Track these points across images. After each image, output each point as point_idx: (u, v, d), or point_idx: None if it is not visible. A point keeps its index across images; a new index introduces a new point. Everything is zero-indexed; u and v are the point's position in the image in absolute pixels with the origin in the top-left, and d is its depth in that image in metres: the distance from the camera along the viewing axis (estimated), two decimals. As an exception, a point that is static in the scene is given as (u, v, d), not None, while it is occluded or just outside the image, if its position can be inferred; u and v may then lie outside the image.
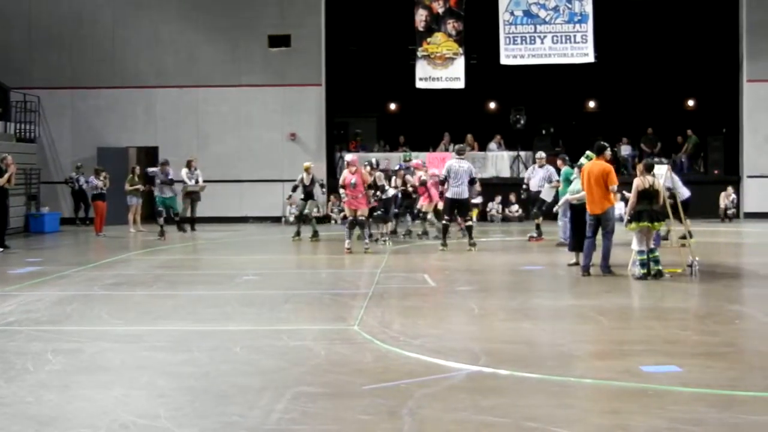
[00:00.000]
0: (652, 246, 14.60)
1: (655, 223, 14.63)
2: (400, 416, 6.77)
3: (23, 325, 10.90)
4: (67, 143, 31.48)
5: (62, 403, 7.37)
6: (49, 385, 7.97)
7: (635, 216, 14.55)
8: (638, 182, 14.68)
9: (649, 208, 14.56)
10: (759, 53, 31.47)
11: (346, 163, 21.41)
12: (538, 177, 22.24)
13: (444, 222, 20.00)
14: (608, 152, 15.68)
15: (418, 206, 23.02)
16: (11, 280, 15.53)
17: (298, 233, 23.05)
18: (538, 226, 22.07)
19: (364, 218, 19.75)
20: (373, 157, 22.47)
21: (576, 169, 17.50)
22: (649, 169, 14.92)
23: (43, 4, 31.59)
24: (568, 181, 19.45)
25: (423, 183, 22.57)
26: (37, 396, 7.57)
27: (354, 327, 10.38)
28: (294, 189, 23.55)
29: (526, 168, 27.67)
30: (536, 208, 22.18)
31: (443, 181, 20.01)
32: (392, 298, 12.89)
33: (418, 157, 29.11)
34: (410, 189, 23.02)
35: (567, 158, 21.24)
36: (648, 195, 14.58)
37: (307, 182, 23.01)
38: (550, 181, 21.79)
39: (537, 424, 6.52)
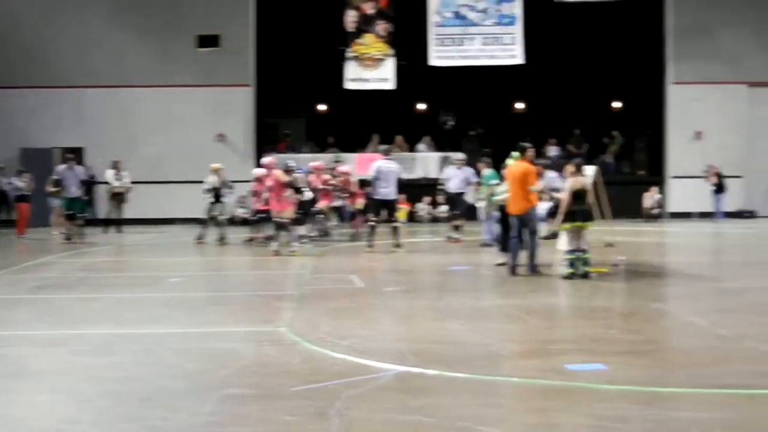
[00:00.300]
0: (584, 246, 14.73)
1: (587, 223, 14.78)
2: (328, 417, 6.75)
3: (-56, 329, 10.72)
4: (-9, 142, 31.03)
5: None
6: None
7: (569, 216, 14.67)
8: (571, 182, 14.79)
9: (582, 208, 14.70)
10: (683, 56, 31.95)
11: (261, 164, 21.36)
12: (457, 179, 22.27)
13: (371, 223, 19.99)
14: (530, 153, 15.77)
15: (317, 206, 22.68)
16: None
17: (201, 237, 22.51)
18: (457, 228, 22.20)
19: (288, 220, 19.51)
20: (292, 160, 22.35)
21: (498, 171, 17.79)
22: (579, 169, 15.06)
23: (-36, 4, 31.14)
24: (488, 184, 19.82)
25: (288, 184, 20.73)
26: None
27: (282, 329, 10.33)
28: (205, 191, 22.81)
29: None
30: (458, 210, 22.25)
31: (370, 182, 20.00)
32: (320, 299, 12.85)
33: (345, 159, 29.16)
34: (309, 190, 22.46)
35: (489, 161, 21.35)
36: (581, 195, 14.72)
37: (217, 184, 22.67)
38: (470, 183, 21.90)
39: (465, 423, 6.54)
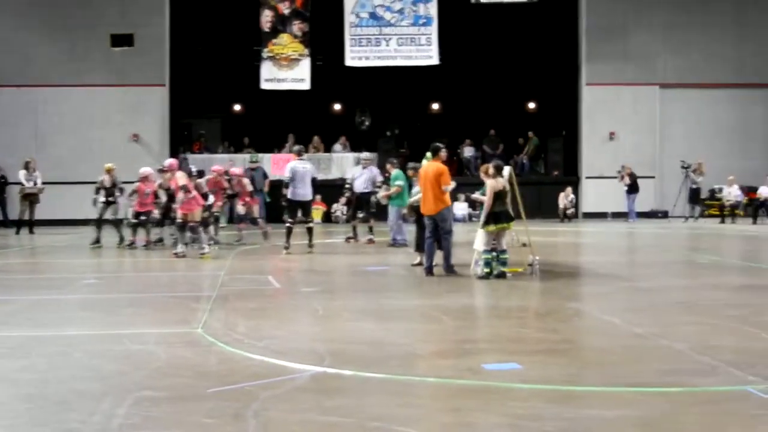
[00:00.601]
0: (504, 247, 14.84)
1: (509, 223, 14.89)
2: (245, 419, 6.71)
3: None
4: None
5: None
6: None
7: (493, 217, 14.74)
8: (493, 183, 14.86)
9: (504, 209, 14.80)
10: (596, 57, 32.39)
11: (160, 168, 21.12)
12: (363, 178, 22.26)
13: (288, 224, 19.91)
14: (443, 153, 15.84)
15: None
16: None
17: (98, 240, 21.86)
18: (355, 228, 22.31)
19: (195, 223, 19.29)
20: (194, 165, 22.18)
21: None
22: (499, 170, 15.14)
23: None
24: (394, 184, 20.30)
25: (183, 187, 19.59)
26: None
27: (197, 330, 10.26)
28: (97, 191, 22.16)
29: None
30: (365, 211, 22.21)
31: (287, 184, 19.91)
32: (236, 300, 12.78)
33: (260, 160, 29.05)
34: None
35: (395, 161, 21.49)
36: (501, 196, 14.82)
37: (108, 184, 22.10)
38: (375, 183, 21.92)
39: (381, 423, 6.55)
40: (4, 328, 10.82)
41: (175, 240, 19.49)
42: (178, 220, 19.16)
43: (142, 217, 21.23)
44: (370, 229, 22.02)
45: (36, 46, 30.87)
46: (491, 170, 15.14)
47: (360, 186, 22.18)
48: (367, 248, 21.15)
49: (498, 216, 14.73)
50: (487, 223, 14.80)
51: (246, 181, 23.15)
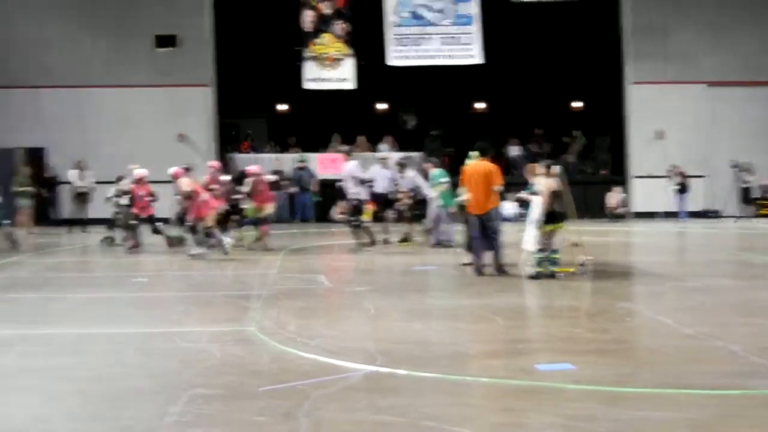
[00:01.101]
0: (556, 247, 14.75)
1: (563, 223, 14.83)
2: (296, 417, 6.72)
3: None
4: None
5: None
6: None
7: (550, 217, 14.65)
8: (549, 182, 14.74)
9: (560, 209, 14.73)
10: (641, 55, 32.15)
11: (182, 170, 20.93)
12: (384, 178, 21.72)
13: (355, 224, 19.91)
14: (492, 152, 15.77)
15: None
16: None
17: (112, 239, 22.05)
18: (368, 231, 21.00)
19: (211, 226, 18.94)
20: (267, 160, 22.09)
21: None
22: (550, 170, 15.04)
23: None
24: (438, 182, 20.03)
25: (188, 194, 19.39)
26: None
27: (249, 328, 10.29)
28: (120, 194, 21.96)
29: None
30: (394, 211, 21.69)
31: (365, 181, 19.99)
32: (288, 299, 12.80)
33: (307, 159, 29.12)
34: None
35: (436, 161, 21.26)
36: (557, 195, 14.73)
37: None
38: (396, 183, 21.48)
39: (434, 423, 6.53)
40: (59, 325, 10.92)
41: (199, 241, 19.31)
42: (188, 223, 19.12)
43: (136, 221, 20.85)
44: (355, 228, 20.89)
45: (84, 48, 31.09)
46: (545, 169, 15.01)
47: (382, 186, 21.54)
48: (417, 248, 20.98)
49: (554, 215, 14.64)
50: (545, 222, 14.68)
51: (265, 179, 22.19)
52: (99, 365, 8.59)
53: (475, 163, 15.65)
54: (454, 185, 18.35)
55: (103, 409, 7.06)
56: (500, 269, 15.23)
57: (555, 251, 14.72)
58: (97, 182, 26.62)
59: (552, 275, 14.51)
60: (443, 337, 9.97)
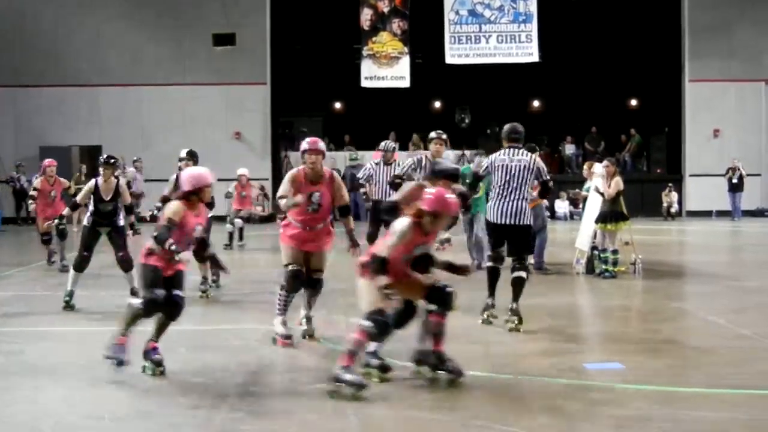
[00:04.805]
0: (611, 246, 14.61)
1: (624, 222, 14.71)
2: (346, 415, 6.77)
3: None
4: (8, 142, 31.09)
5: (2, 405, 7.28)
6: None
7: (613, 216, 14.50)
8: (617, 182, 14.56)
9: (621, 209, 14.61)
10: (700, 53, 31.86)
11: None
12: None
13: None
14: (539, 152, 15.59)
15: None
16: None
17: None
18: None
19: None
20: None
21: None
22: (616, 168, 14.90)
23: (-17, 2, 31.19)
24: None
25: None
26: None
27: (301, 327, 10.31)
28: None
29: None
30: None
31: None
32: (338, 297, 12.78)
33: (362, 157, 29.12)
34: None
35: (480, 152, 20.42)
36: (620, 194, 14.60)
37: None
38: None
39: (482, 421, 6.55)
40: (113, 322, 10.97)
41: None
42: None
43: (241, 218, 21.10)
44: None
45: (142, 47, 31.35)
46: (611, 168, 14.81)
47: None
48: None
49: (617, 215, 14.51)
50: (604, 221, 14.55)
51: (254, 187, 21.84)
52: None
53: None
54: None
55: (154, 407, 7.15)
56: (540, 267, 15.17)
57: (605, 250, 14.57)
58: (150, 180, 26.79)
59: (604, 274, 14.42)
60: (493, 335, 9.95)
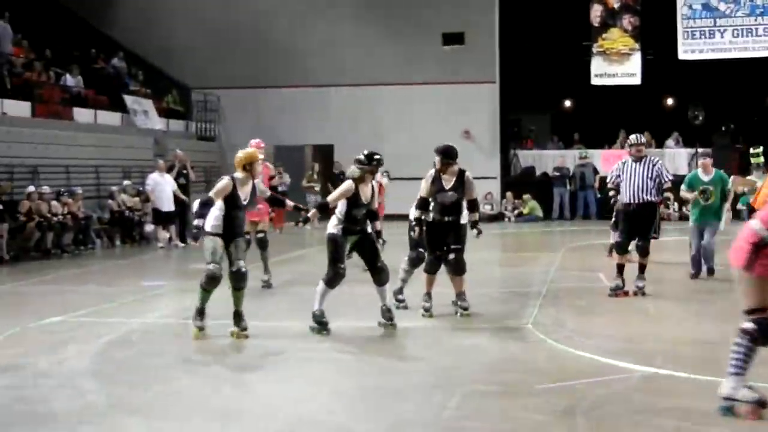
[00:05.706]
0: None
1: None
2: (574, 416, 6.69)
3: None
4: (245, 141, 32.01)
5: (239, 397, 7.54)
6: (226, 378, 8.18)
7: None
8: None
9: None
10: None
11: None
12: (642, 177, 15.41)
13: None
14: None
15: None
16: (192, 275, 15.79)
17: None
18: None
19: None
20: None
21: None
22: None
23: (222, 9, 32.21)
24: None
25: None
26: (214, 388, 7.76)
27: (527, 326, 10.30)
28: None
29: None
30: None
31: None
32: (566, 297, 12.72)
33: (590, 156, 28.76)
34: None
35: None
36: None
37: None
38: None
39: (718, 428, 6.36)
40: (337, 318, 11.06)
41: None
42: None
43: None
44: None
45: (374, 47, 31.81)
46: None
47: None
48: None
49: None
50: None
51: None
52: (382, 360, 8.83)
53: None
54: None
55: (385, 403, 7.28)
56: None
57: None
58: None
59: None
60: (725, 338, 9.64)
